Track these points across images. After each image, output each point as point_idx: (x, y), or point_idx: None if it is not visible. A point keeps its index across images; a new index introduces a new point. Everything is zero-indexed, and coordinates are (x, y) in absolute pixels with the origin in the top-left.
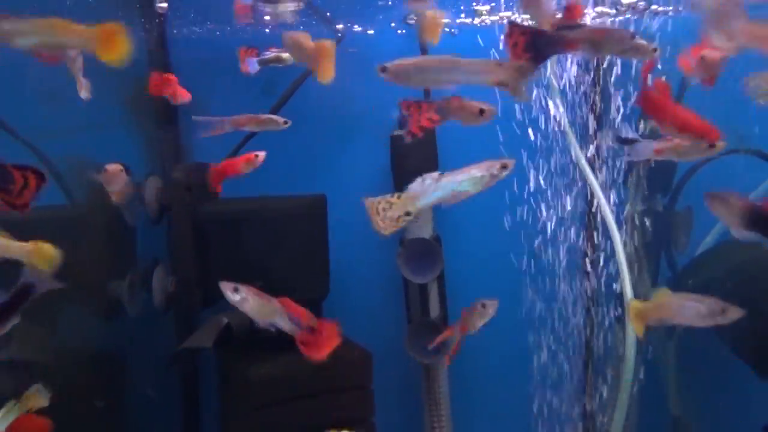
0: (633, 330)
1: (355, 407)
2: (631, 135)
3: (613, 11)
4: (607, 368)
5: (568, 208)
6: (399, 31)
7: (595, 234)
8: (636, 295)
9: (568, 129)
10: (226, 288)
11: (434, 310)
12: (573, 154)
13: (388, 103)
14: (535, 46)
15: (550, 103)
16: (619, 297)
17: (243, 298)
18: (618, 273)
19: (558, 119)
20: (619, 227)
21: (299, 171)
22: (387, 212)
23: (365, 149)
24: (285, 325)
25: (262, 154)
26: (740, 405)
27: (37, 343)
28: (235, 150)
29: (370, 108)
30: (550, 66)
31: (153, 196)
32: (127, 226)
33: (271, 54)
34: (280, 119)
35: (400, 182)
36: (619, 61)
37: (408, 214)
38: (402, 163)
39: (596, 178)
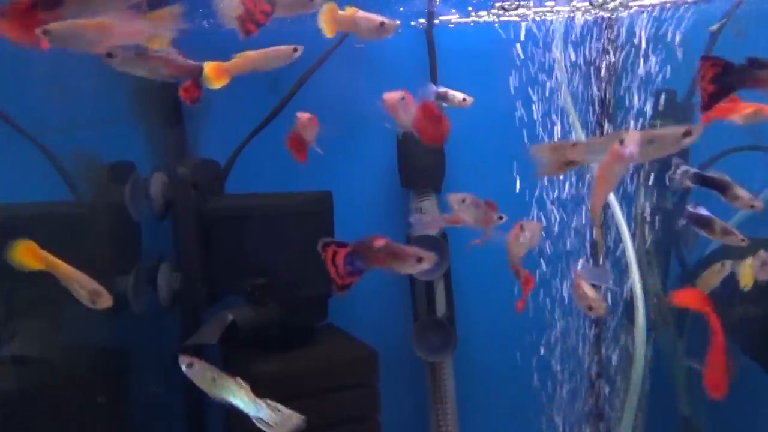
0: (643, 329)
1: (360, 405)
2: None
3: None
4: (616, 367)
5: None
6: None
7: (604, 232)
8: (646, 294)
9: (577, 127)
10: None
11: (441, 307)
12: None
13: None
14: (724, 78)
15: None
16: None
17: None
18: (628, 271)
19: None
20: (629, 225)
21: (305, 168)
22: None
23: (372, 146)
24: None
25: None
26: (750, 405)
27: (42, 339)
28: (239, 148)
29: (377, 105)
30: (558, 64)
31: (158, 192)
32: (132, 222)
33: (442, 90)
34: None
35: (407, 180)
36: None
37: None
38: (409, 161)
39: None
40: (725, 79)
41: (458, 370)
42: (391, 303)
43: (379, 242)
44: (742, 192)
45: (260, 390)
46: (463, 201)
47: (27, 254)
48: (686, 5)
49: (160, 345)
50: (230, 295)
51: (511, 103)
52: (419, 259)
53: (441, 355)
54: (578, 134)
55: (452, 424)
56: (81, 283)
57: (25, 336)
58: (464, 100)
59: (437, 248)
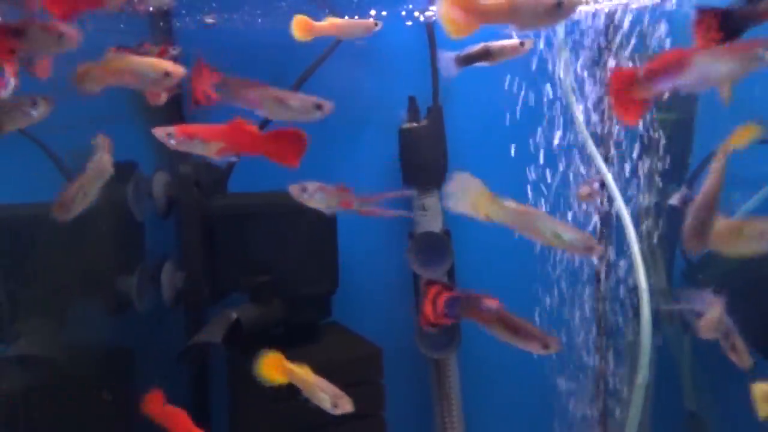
0: (648, 323)
1: (365, 402)
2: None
3: None
4: (622, 363)
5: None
6: (407, 23)
7: (608, 226)
8: (650, 288)
9: (580, 121)
10: None
11: None
12: (585, 144)
13: (397, 95)
14: (728, 24)
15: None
16: (634, 290)
17: None
18: (632, 265)
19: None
20: (633, 219)
21: (308, 165)
22: None
23: (374, 142)
24: None
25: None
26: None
27: (47, 338)
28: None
29: (379, 100)
30: (563, 62)
31: (161, 191)
32: (135, 221)
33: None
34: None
35: (408, 176)
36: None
37: None
38: (411, 157)
39: (609, 169)
40: (729, 25)
41: (463, 367)
42: (395, 300)
43: (492, 303)
44: None
45: (265, 387)
46: (305, 190)
47: (272, 367)
48: None
49: (164, 344)
50: (234, 293)
51: (514, 98)
52: (545, 345)
53: (445, 352)
54: (580, 129)
55: (457, 421)
56: (323, 389)
57: (30, 335)
58: (522, 44)
59: (440, 245)
